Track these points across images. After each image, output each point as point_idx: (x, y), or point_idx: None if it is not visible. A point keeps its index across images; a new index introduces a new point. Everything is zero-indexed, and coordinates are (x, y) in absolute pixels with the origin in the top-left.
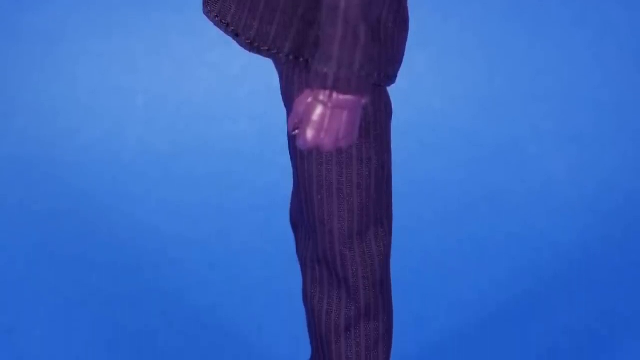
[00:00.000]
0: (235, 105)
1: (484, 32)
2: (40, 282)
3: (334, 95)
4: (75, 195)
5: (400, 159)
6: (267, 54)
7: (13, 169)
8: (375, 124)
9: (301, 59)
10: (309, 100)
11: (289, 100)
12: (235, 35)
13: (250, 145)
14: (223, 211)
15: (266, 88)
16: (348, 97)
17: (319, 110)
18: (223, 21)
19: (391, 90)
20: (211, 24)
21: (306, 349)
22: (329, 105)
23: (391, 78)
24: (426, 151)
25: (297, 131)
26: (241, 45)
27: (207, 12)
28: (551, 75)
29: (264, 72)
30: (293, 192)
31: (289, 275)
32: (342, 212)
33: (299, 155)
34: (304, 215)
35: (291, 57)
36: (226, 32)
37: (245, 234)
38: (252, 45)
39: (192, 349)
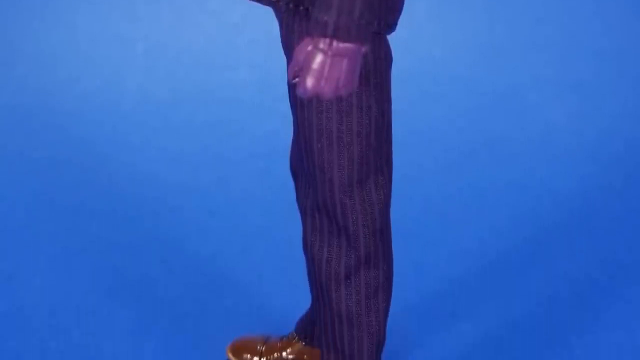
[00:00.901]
0: (235, 54)
1: None
2: (40, 230)
3: (334, 43)
4: (75, 144)
5: (401, 107)
6: (267, 2)
7: (13, 117)
8: (375, 72)
9: (301, 7)
10: (309, 48)
11: (289, 48)
12: None
13: (250, 93)
14: (223, 159)
15: (266, 36)
16: (348, 45)
17: (319, 58)
18: None
19: (391, 38)
20: None
21: (306, 298)
22: (329, 53)
23: (391, 26)
24: (426, 99)
25: (297, 79)
26: None
27: None
28: (551, 23)
29: (263, 20)
30: (293, 140)
31: (289, 223)
32: (342, 161)
33: (299, 103)
34: (304, 164)
35: (291, 5)
36: None
37: (245, 181)
38: None
39: (192, 297)
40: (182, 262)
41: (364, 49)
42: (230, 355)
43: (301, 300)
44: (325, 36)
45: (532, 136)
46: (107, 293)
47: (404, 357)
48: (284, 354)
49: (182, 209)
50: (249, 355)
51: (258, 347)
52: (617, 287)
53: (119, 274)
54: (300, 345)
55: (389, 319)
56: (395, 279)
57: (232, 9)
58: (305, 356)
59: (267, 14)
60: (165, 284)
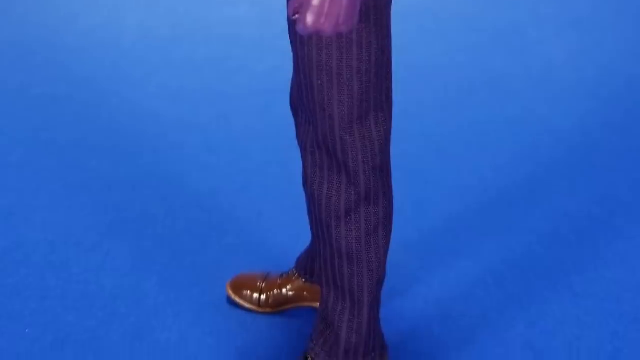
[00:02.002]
0: None
1: None
2: (40, 166)
3: None
4: (75, 80)
5: (401, 44)
6: None
7: (14, 53)
8: (375, 8)
9: None
10: None
11: None
12: None
13: (250, 30)
14: (223, 96)
15: None
16: None
17: None
18: None
19: None
20: None
21: (306, 234)
22: None
23: None
24: (426, 36)
25: (297, 16)
26: None
27: None
28: None
29: None
30: (293, 77)
31: (289, 160)
32: (342, 97)
33: (299, 40)
34: (304, 101)
35: None
36: None
37: (245, 118)
38: None
39: (192, 233)
40: (182, 198)
41: None
42: (230, 292)
43: (301, 237)
44: None
45: (532, 73)
46: (107, 229)
47: (404, 293)
48: (284, 290)
49: (182, 145)
50: (249, 292)
51: (258, 284)
52: (617, 224)
53: (119, 211)
54: (300, 281)
55: (389, 256)
56: (395, 216)
57: None
58: (305, 293)
59: None
60: (165, 220)
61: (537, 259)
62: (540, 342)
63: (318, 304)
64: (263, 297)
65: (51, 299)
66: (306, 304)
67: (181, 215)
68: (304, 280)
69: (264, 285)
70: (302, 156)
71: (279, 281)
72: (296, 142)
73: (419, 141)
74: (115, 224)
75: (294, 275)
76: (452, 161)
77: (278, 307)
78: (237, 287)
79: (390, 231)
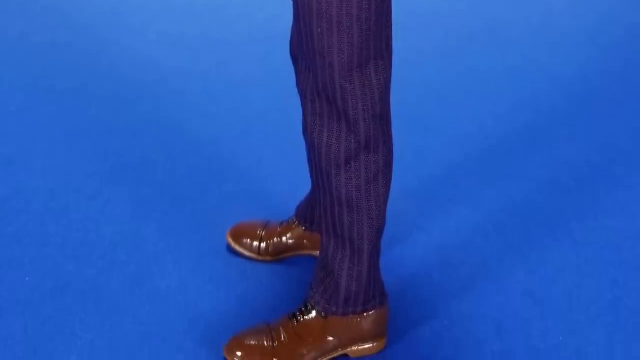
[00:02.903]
0: None
1: None
2: (40, 113)
3: None
4: (75, 27)
5: None
6: None
7: (13, 1)
8: None
9: None
10: None
11: None
12: None
13: None
14: (223, 43)
15: None
16: None
17: None
18: None
19: None
20: None
21: (306, 182)
22: None
23: None
24: None
25: None
26: None
27: None
28: None
29: None
30: (293, 25)
31: (289, 108)
32: (342, 45)
33: None
34: (304, 49)
35: None
36: None
37: (245, 66)
38: None
39: (192, 181)
40: (182, 145)
41: None
42: (230, 240)
43: (301, 185)
44: None
45: (533, 20)
46: (107, 177)
47: (404, 241)
48: (283, 238)
49: (182, 92)
50: (248, 240)
51: (258, 232)
52: (617, 172)
53: (119, 157)
54: (300, 230)
55: (389, 204)
56: (395, 164)
57: None
58: (305, 241)
59: None
60: (165, 167)
61: (537, 207)
62: (540, 290)
63: (318, 252)
64: (263, 245)
65: (51, 246)
66: (306, 252)
67: (181, 162)
68: (304, 228)
69: (264, 233)
70: (302, 104)
71: (279, 229)
72: (296, 90)
73: (419, 89)
74: (115, 170)
75: (294, 224)
76: (452, 109)
77: (278, 255)
78: (237, 235)
79: (390, 179)
